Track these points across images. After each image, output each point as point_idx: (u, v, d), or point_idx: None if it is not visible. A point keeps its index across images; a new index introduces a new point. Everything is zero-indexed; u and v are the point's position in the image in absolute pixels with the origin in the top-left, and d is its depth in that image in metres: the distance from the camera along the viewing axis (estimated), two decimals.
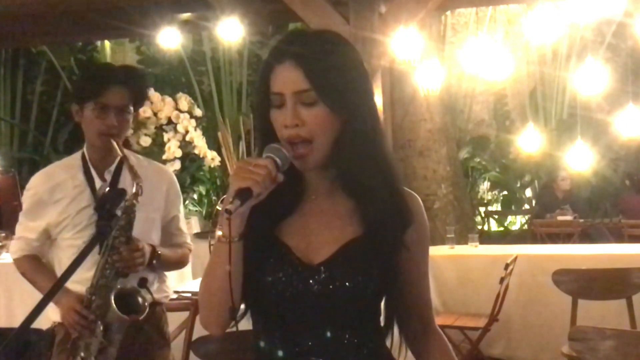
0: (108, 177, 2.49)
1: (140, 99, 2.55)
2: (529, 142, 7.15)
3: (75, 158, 2.56)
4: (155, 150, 5.71)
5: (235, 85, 9.59)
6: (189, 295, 4.01)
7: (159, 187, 2.50)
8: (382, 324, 1.51)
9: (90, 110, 2.43)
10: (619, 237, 7.16)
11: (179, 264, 2.72)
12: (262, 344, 1.47)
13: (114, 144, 2.41)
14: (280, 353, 1.44)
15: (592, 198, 8.84)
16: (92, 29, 7.08)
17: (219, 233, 1.37)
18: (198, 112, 5.99)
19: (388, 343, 1.53)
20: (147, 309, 2.40)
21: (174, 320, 4.09)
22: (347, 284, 1.40)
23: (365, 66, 1.49)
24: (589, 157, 6.33)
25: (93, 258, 2.38)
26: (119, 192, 2.28)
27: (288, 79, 1.40)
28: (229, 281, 1.35)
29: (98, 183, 2.48)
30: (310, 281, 1.40)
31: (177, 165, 5.83)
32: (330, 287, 1.40)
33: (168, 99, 5.76)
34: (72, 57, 9.45)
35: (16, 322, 2.96)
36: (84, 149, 2.55)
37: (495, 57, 5.62)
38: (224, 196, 1.45)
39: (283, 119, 1.41)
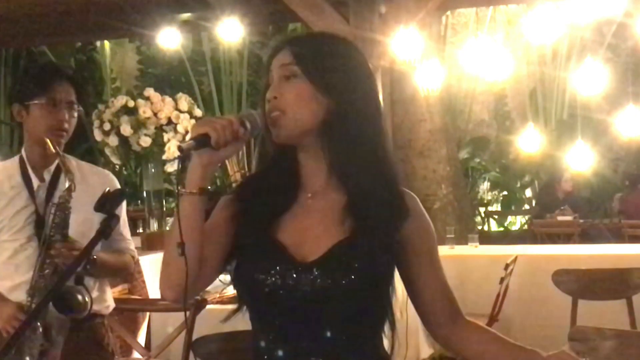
0: (47, 177, 2.44)
1: (82, 98, 2.53)
2: (529, 142, 7.15)
3: (12, 161, 2.53)
4: (155, 150, 5.68)
5: (235, 85, 9.60)
6: None
7: (100, 189, 2.34)
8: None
9: (39, 107, 2.41)
10: (619, 237, 7.16)
11: (120, 270, 2.63)
12: (262, 343, 1.46)
13: (48, 142, 2.36)
14: (280, 353, 1.43)
15: (592, 198, 8.85)
16: (92, 29, 7.06)
17: (183, 190, 1.40)
18: (198, 112, 5.96)
19: (387, 343, 1.52)
20: (89, 308, 2.29)
21: (174, 320, 4.08)
22: (339, 281, 1.39)
23: (369, 67, 1.51)
24: (589, 157, 6.34)
25: (29, 261, 2.34)
26: (119, 192, 2.26)
27: (278, 59, 1.47)
28: (180, 233, 1.36)
29: (37, 183, 2.44)
30: (303, 279, 1.40)
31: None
32: (323, 285, 1.39)
33: (168, 99, 5.73)
34: (72, 57, 9.45)
35: None
36: (22, 151, 2.52)
37: (495, 57, 5.61)
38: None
39: (268, 95, 1.46)
